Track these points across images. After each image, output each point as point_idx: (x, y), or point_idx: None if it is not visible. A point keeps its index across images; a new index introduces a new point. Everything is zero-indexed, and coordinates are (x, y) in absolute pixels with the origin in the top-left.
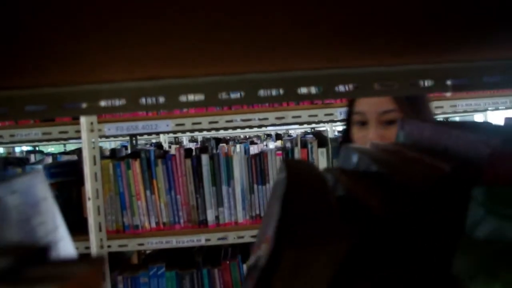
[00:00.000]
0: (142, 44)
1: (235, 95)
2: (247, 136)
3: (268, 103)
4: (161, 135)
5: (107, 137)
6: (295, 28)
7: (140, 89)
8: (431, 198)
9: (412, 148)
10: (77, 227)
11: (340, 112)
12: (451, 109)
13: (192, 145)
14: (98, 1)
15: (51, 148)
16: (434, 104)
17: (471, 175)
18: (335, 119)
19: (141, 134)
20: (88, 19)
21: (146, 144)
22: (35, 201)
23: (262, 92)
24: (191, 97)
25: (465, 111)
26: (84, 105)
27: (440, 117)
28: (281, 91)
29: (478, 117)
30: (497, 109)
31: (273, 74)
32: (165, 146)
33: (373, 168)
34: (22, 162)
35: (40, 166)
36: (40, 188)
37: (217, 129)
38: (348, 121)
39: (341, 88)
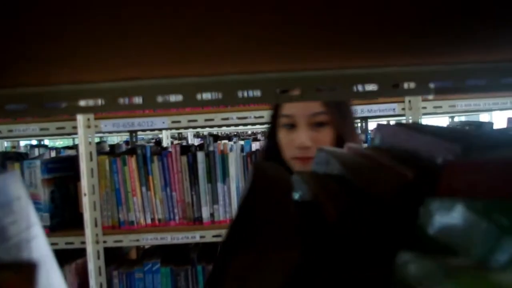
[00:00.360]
0: (120, 45)
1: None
2: (254, 132)
3: (246, 104)
4: (164, 131)
5: (110, 132)
6: (273, 30)
7: (118, 89)
8: (391, 206)
9: (384, 153)
10: (74, 222)
11: None
12: (450, 109)
13: (197, 141)
14: (76, 3)
15: (60, 142)
16: (433, 103)
17: (433, 183)
18: None
19: (138, 131)
20: (68, 21)
21: (152, 139)
22: (8, 201)
23: (240, 93)
24: (167, 97)
25: (465, 111)
26: (63, 105)
27: (442, 117)
28: (259, 93)
29: (484, 117)
30: (502, 109)
31: (252, 75)
32: (168, 142)
33: (341, 173)
34: (21, 157)
35: (38, 161)
36: (14, 187)
37: (219, 126)
38: (273, 124)
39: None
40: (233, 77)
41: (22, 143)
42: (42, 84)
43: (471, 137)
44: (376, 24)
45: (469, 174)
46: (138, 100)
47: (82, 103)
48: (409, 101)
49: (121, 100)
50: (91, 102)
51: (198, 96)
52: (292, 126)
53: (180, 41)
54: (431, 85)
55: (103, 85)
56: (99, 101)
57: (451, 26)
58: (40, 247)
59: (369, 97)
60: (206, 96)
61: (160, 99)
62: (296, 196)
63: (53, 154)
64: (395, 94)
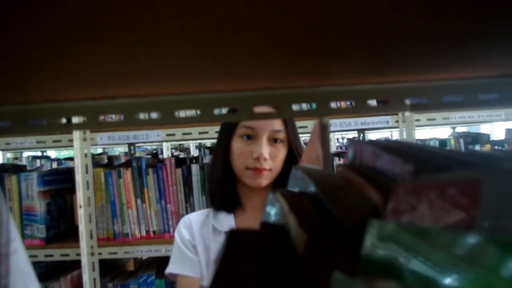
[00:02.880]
0: (100, 65)
1: (191, 113)
2: None
3: (222, 121)
4: (164, 143)
5: (106, 145)
6: (247, 50)
7: (99, 107)
8: (359, 232)
9: (356, 173)
10: (70, 234)
11: (333, 124)
12: (444, 121)
13: (198, 152)
14: (57, 26)
15: (65, 152)
16: (427, 116)
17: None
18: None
19: (135, 143)
20: (50, 43)
21: (155, 149)
22: None
23: (217, 111)
24: (147, 115)
25: (459, 123)
26: (45, 122)
27: (444, 127)
28: (237, 109)
29: (484, 128)
30: (498, 121)
31: (227, 94)
32: (168, 153)
33: (315, 196)
34: (19, 169)
35: (34, 174)
36: None
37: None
38: (229, 133)
39: (296, 107)
40: (209, 95)
41: (25, 154)
42: (25, 102)
43: (429, 157)
44: (350, 45)
45: (413, 195)
46: (119, 117)
47: (65, 120)
48: (403, 114)
49: (102, 118)
50: (74, 120)
51: (176, 114)
52: (250, 138)
53: (158, 61)
54: (407, 102)
55: (85, 103)
56: (81, 119)
57: (427, 44)
58: (19, 262)
59: (344, 113)
60: (185, 113)
61: (140, 116)
62: (272, 213)
63: (55, 165)
64: (369, 110)
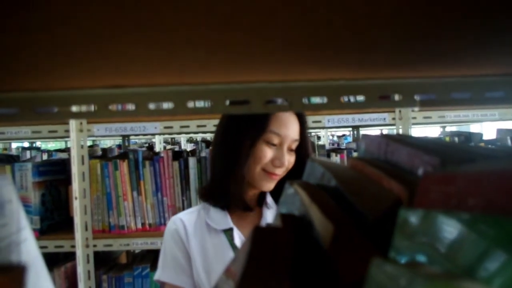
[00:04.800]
0: (112, 53)
1: (202, 104)
2: None
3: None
4: (156, 136)
5: (102, 136)
6: (257, 42)
7: (110, 96)
8: (383, 224)
9: (373, 166)
10: (64, 225)
11: (328, 120)
12: (440, 119)
13: (190, 146)
14: (68, 12)
15: (52, 144)
16: (423, 114)
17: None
18: (323, 126)
19: (131, 135)
20: (61, 29)
21: (146, 143)
22: None
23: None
24: (158, 105)
25: (454, 122)
26: (55, 110)
27: (433, 127)
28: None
29: (474, 127)
30: (491, 120)
31: (237, 85)
32: (160, 146)
33: (335, 189)
34: (12, 159)
35: (29, 164)
36: (5, 191)
37: (211, 132)
38: (256, 136)
39: (305, 100)
40: (220, 86)
41: (14, 145)
42: (35, 89)
43: (449, 150)
44: (363, 41)
45: (444, 185)
46: (130, 107)
47: (74, 108)
48: (400, 111)
49: (113, 107)
50: (83, 108)
51: (189, 104)
52: (273, 145)
53: (170, 50)
54: (416, 97)
55: (95, 91)
56: (91, 107)
57: (437, 42)
58: (30, 250)
59: (356, 108)
60: (197, 104)
61: (152, 106)
62: (285, 205)
63: (45, 156)
64: (381, 105)
